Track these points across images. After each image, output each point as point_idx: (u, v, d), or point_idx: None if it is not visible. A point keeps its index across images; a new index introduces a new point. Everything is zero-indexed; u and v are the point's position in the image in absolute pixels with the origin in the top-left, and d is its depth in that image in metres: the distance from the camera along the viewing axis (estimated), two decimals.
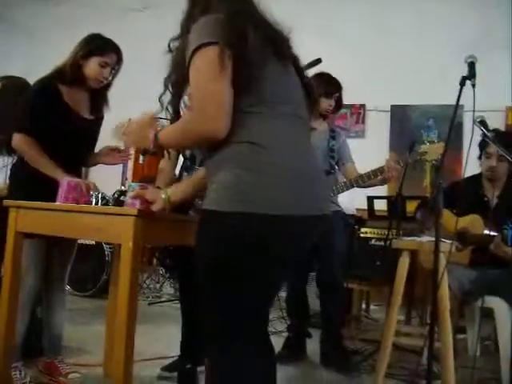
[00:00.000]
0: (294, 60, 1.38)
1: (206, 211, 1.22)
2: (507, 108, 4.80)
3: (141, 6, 5.89)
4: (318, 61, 2.24)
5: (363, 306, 4.24)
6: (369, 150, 4.47)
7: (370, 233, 3.45)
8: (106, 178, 3.89)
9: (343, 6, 5.28)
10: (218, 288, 1.23)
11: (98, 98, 2.37)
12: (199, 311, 1.30)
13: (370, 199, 3.80)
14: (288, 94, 1.30)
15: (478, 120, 2.40)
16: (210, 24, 1.22)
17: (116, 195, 4.11)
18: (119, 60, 2.29)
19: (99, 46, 2.23)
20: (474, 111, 2.19)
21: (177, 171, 2.52)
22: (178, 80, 1.32)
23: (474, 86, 2.17)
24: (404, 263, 2.34)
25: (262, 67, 1.23)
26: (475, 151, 2.92)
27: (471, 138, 2.31)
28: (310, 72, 2.86)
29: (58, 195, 1.91)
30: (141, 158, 2.27)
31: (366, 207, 3.92)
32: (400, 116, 5.00)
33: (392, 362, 2.81)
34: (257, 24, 1.29)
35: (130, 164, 5.42)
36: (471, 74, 2.19)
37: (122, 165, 5.25)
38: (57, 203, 1.88)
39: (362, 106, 5.22)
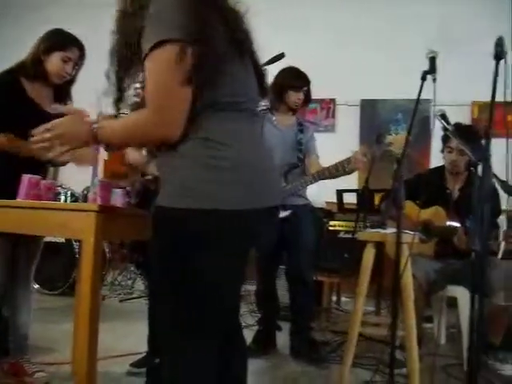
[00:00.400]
0: (252, 53, 1.33)
1: (161, 208, 1.19)
2: (472, 103, 4.90)
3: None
4: (281, 55, 2.24)
5: (334, 298, 4.29)
6: (339, 145, 4.47)
7: (339, 226, 3.49)
8: (75, 174, 3.83)
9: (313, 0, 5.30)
10: (179, 285, 1.20)
11: (62, 93, 2.33)
12: (158, 308, 1.30)
13: (340, 192, 3.84)
14: (246, 89, 1.27)
15: (439, 114, 2.46)
16: (172, 10, 1.12)
17: (85, 192, 4.09)
18: (82, 55, 2.25)
19: (61, 41, 2.20)
20: (434, 105, 2.25)
21: None
22: (126, 63, 1.24)
23: (434, 80, 2.23)
24: (369, 255, 2.38)
25: (224, 61, 1.17)
26: (440, 144, 2.99)
27: (433, 130, 2.39)
28: (277, 66, 2.88)
29: (18, 192, 1.89)
30: (105, 154, 2.25)
31: (335, 200, 3.97)
32: (370, 110, 5.06)
33: (361, 352, 2.87)
34: (221, 12, 1.22)
35: (101, 160, 5.35)
36: (432, 69, 2.24)
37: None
38: (17, 200, 1.85)
39: (332, 101, 5.26)
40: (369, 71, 4.93)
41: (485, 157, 1.64)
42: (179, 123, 1.13)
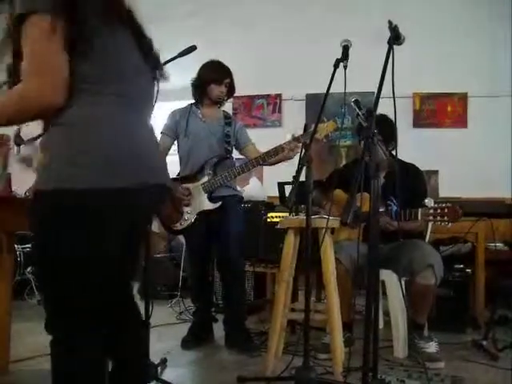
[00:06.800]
0: (135, 28, 1.36)
1: (35, 190, 1.24)
2: (414, 94, 5.01)
3: None
4: (192, 48, 2.26)
5: None
6: (286, 139, 4.54)
7: (276, 217, 3.51)
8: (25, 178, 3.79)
9: None
10: (50, 270, 1.25)
11: None
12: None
13: (281, 185, 3.86)
14: (117, 69, 1.28)
15: (353, 100, 2.53)
16: None
17: (27, 194, 4.04)
18: None
19: None
20: (344, 93, 2.29)
21: None
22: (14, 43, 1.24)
23: (345, 67, 2.30)
24: (289, 241, 2.42)
25: (96, 35, 1.21)
26: None
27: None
28: (200, 60, 2.91)
29: None
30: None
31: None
32: (315, 104, 5.11)
33: (300, 340, 2.90)
34: None
35: None
36: (344, 57, 2.32)
37: None
38: None
39: (278, 96, 5.31)
40: (314, 66, 4.96)
41: (369, 134, 1.69)
42: (59, 89, 1.16)
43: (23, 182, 3.65)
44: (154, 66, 1.44)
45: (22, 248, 4.09)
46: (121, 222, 1.28)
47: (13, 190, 3.97)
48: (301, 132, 2.86)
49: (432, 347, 2.61)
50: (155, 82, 1.46)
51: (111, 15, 1.27)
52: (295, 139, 2.77)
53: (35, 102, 1.17)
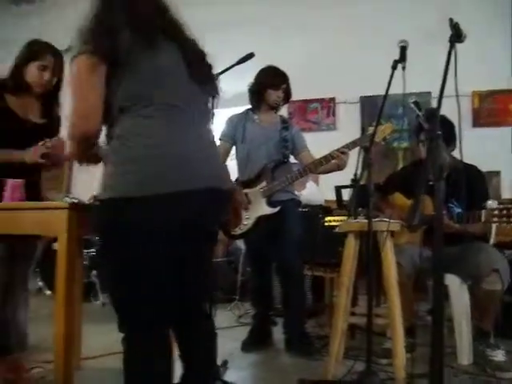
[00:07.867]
0: (181, 42, 1.48)
1: (98, 199, 1.38)
2: (473, 93, 4.86)
3: None
4: (250, 55, 2.30)
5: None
6: (341, 142, 4.51)
7: (334, 221, 3.50)
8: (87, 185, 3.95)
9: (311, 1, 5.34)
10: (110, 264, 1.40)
11: (49, 100, 2.43)
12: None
13: (338, 189, 3.85)
14: (159, 83, 1.39)
15: (412, 101, 2.48)
16: (84, 30, 1.37)
17: (91, 201, 4.24)
18: (58, 61, 2.32)
19: (34, 51, 2.29)
20: (403, 95, 2.26)
21: None
22: None
23: (404, 68, 2.27)
24: (350, 245, 2.41)
25: (133, 63, 1.35)
26: None
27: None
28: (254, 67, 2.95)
29: (3, 196, 2.01)
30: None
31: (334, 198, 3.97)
32: (370, 106, 5.06)
33: (360, 345, 2.87)
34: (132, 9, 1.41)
35: None
36: (402, 58, 2.28)
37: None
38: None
39: (332, 100, 5.29)
40: (366, 68, 4.92)
41: (433, 136, 1.66)
42: (92, 121, 1.34)
43: (87, 188, 3.88)
44: (204, 77, 1.53)
45: (87, 252, 4.28)
46: (170, 225, 1.36)
47: (74, 196, 4.21)
48: (356, 136, 2.86)
49: (499, 355, 2.52)
50: (208, 92, 1.56)
51: (152, 35, 1.40)
52: (352, 143, 2.76)
53: (76, 132, 1.36)
